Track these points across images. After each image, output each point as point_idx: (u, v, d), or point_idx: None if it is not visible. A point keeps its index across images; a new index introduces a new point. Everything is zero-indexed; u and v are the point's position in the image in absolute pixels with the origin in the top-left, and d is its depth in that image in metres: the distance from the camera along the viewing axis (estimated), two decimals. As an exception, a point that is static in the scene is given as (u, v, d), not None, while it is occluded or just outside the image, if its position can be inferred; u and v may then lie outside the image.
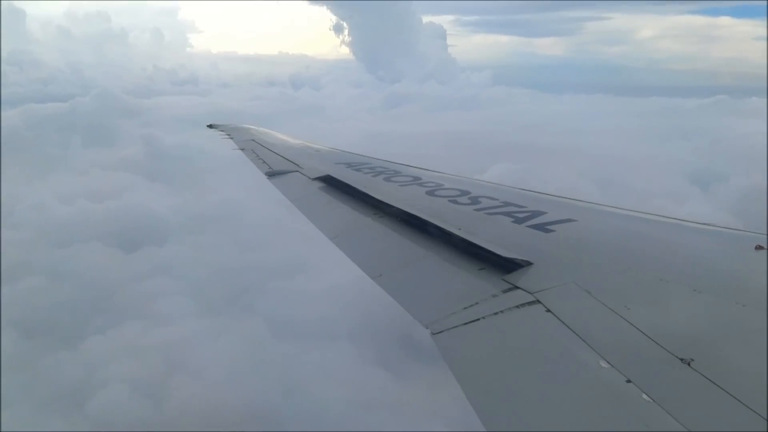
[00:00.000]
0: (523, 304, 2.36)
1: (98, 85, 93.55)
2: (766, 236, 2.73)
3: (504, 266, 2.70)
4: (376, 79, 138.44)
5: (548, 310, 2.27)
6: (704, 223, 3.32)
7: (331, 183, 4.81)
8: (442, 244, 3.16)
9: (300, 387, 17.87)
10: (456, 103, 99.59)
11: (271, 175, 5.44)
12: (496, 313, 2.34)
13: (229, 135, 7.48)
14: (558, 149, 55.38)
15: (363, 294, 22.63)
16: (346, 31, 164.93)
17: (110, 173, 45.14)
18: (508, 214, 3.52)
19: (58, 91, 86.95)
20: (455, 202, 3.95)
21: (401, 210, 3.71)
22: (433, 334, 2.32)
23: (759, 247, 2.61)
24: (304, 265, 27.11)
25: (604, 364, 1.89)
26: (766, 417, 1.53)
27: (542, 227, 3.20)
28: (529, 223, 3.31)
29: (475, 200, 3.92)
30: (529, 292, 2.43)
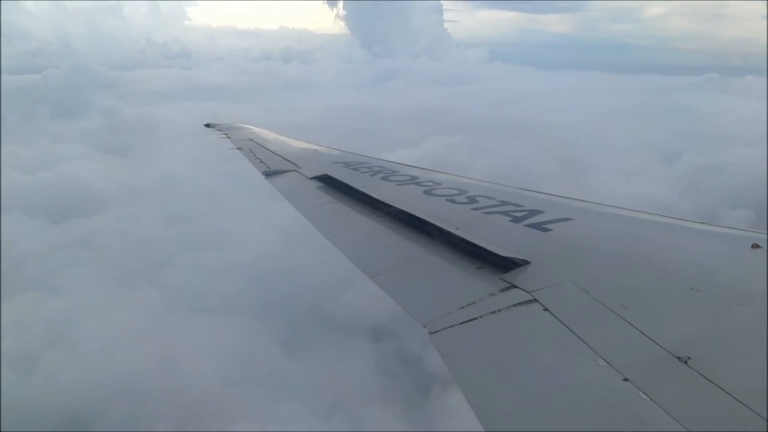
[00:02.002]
0: (520, 303, 2.36)
1: (87, 58, 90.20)
2: (765, 235, 2.73)
3: (502, 265, 2.70)
4: (369, 54, 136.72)
5: (546, 309, 2.27)
6: (701, 222, 3.34)
7: (328, 182, 4.78)
8: (439, 243, 3.16)
9: (179, 361, 17.80)
10: (443, 80, 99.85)
11: (269, 174, 5.39)
12: (493, 312, 2.35)
13: (226, 134, 7.38)
14: (524, 125, 55.69)
15: (282, 272, 22.90)
16: (340, 5, 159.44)
17: (58, 145, 44.36)
18: (505, 213, 3.52)
19: (44, 63, 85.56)
20: (453, 201, 3.94)
21: (399, 209, 3.71)
22: (430, 333, 2.32)
23: (755, 246, 2.61)
24: (229, 240, 27.17)
25: (601, 362, 1.89)
26: (763, 415, 1.53)
27: (540, 226, 3.20)
28: (527, 222, 3.31)
29: (472, 199, 3.92)
30: (526, 291, 2.43)
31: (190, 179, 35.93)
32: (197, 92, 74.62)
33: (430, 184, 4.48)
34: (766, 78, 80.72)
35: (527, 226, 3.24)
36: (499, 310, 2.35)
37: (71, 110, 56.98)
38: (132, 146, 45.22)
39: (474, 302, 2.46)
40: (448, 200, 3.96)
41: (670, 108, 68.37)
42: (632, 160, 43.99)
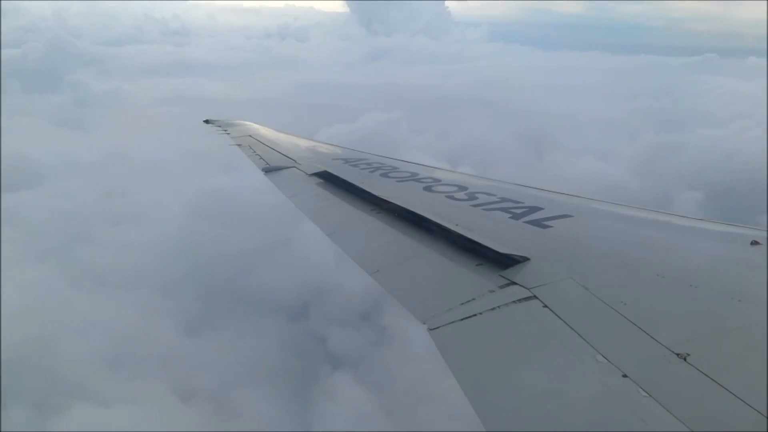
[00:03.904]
0: (520, 300, 2.37)
1: (82, 35, 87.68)
2: (765, 232, 2.74)
3: (501, 262, 2.71)
4: (368, 32, 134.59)
5: (545, 306, 2.27)
6: (701, 219, 3.35)
7: (328, 179, 4.77)
8: (439, 239, 3.17)
9: (60, 338, 17.39)
10: (437, 58, 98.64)
11: (268, 170, 5.35)
12: (493, 309, 2.36)
13: (225, 130, 7.33)
14: (496, 103, 55.28)
15: (206, 251, 22.75)
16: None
17: (12, 119, 43.04)
18: (505, 210, 3.53)
19: (37, 39, 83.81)
20: (452, 198, 3.94)
21: (399, 206, 3.71)
22: (430, 329, 2.32)
23: (755, 243, 2.62)
24: (154, 217, 26.91)
25: (600, 359, 1.89)
26: (762, 411, 1.54)
27: (539, 223, 3.21)
28: (526, 219, 3.32)
29: (472, 196, 3.92)
30: (526, 288, 2.44)
31: (137, 155, 35.59)
32: (180, 69, 74.02)
33: (430, 180, 4.47)
34: (766, 59, 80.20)
35: (527, 222, 3.25)
36: (498, 307, 2.37)
37: (42, 85, 56.59)
38: (92, 121, 44.97)
39: (473, 299, 2.47)
40: (447, 197, 3.96)
41: (656, 88, 68.21)
42: (594, 139, 43.98)
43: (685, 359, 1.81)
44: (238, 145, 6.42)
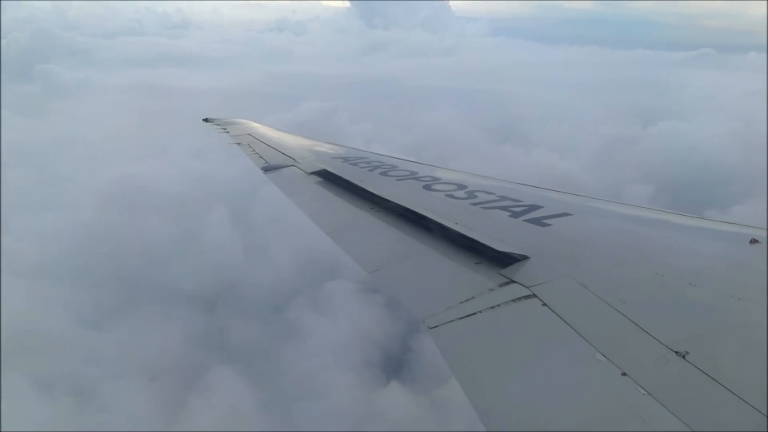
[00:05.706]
0: (519, 298, 2.38)
1: (78, 27, 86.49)
2: (765, 230, 2.76)
3: (500, 260, 2.71)
4: (367, 26, 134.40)
5: (544, 304, 2.28)
6: (700, 217, 3.35)
7: (327, 177, 4.75)
8: (438, 238, 3.17)
9: None
10: (431, 52, 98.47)
11: (267, 169, 5.34)
12: (492, 307, 2.36)
13: (224, 129, 7.31)
14: (469, 95, 55.23)
15: (111, 240, 22.27)
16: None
17: None
18: (504, 208, 3.53)
19: (25, 31, 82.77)
20: (452, 196, 3.94)
21: (398, 204, 3.71)
22: (429, 328, 2.32)
23: (754, 241, 2.64)
24: (76, 205, 26.27)
25: (599, 357, 1.90)
26: (761, 410, 1.55)
27: (539, 221, 3.22)
28: (526, 217, 3.32)
29: (471, 195, 3.92)
30: (525, 286, 2.44)
31: (84, 143, 35.34)
32: (165, 60, 73.66)
33: (429, 179, 4.47)
34: (766, 54, 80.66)
35: (526, 221, 3.26)
36: (497, 305, 2.37)
37: (16, 75, 56.20)
38: (52, 110, 44.62)
39: (473, 297, 2.47)
40: (447, 195, 3.96)
41: (640, 82, 68.12)
42: (560, 132, 43.80)
43: (684, 357, 1.82)
44: (237, 143, 6.39)
